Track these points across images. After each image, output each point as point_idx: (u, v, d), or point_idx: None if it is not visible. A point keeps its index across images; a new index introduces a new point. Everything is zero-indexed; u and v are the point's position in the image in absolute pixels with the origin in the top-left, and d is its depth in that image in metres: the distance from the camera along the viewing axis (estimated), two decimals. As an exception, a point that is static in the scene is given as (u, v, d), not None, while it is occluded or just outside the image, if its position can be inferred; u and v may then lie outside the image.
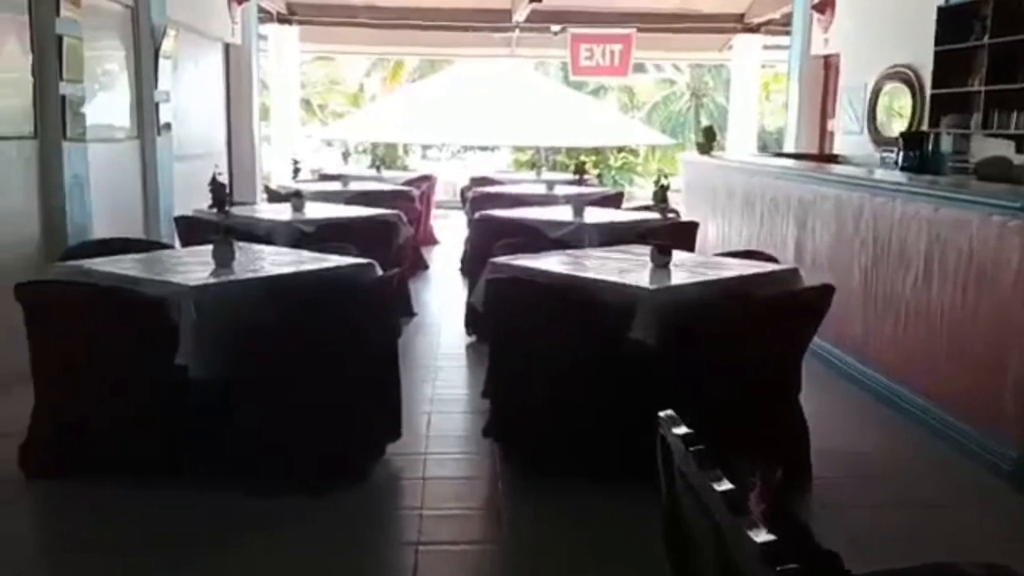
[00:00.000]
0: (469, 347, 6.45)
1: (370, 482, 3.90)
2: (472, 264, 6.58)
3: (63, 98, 5.47)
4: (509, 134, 18.01)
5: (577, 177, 6.81)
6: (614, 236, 6.14)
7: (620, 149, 22.51)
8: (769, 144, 17.45)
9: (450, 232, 11.43)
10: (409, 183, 10.20)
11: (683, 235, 6.31)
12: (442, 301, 8.01)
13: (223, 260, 4.12)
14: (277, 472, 3.72)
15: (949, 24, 7.46)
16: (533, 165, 22.75)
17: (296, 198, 6.53)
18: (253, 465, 3.74)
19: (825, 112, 11.08)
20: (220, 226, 4.12)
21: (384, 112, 19.12)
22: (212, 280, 3.84)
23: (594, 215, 6.70)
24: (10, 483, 3.81)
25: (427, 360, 5.93)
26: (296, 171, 6.33)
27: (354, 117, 22.19)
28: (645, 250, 4.79)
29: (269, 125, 14.02)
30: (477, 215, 6.67)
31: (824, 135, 11.06)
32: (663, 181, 4.27)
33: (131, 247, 4.65)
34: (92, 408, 3.79)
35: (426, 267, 9.45)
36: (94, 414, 3.80)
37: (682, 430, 1.61)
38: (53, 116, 5.41)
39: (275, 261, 4.32)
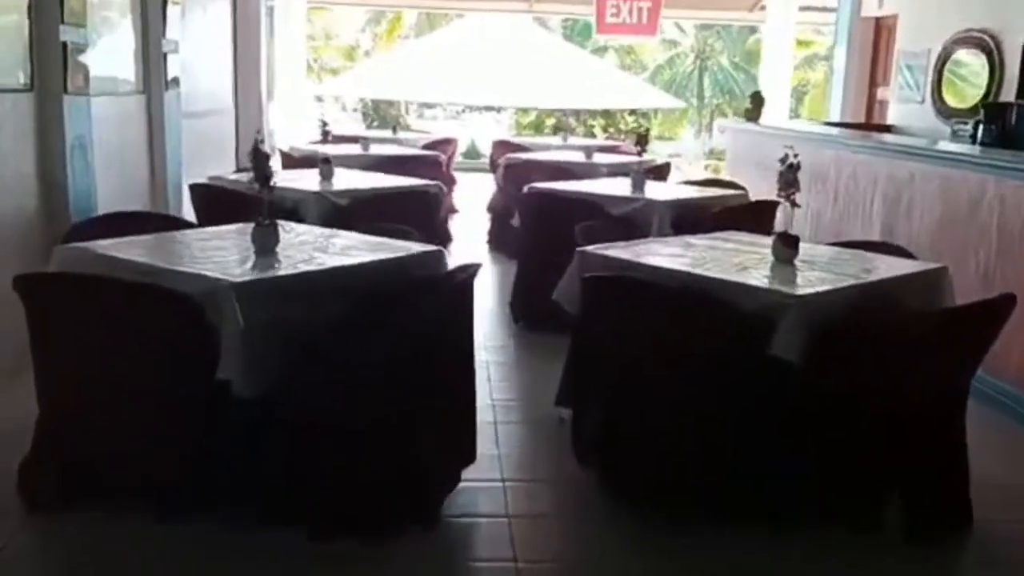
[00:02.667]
0: (516, 336, 5.77)
1: (445, 522, 3.22)
2: (527, 246, 5.85)
3: (64, 44, 4.69)
4: (515, 95, 17.17)
5: (637, 149, 6.05)
6: (687, 216, 5.45)
7: (632, 112, 21.68)
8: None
9: (465, 199, 10.65)
10: (431, 146, 9.45)
11: (762, 216, 5.62)
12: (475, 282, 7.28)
13: (266, 246, 3.40)
14: (334, 510, 3.05)
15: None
16: (541, 127, 22.02)
17: (325, 165, 5.78)
18: (303, 501, 3.07)
19: (875, 79, 10.35)
20: (264, 204, 3.38)
21: (383, 68, 18.22)
22: (259, 275, 3.12)
23: (656, 190, 6.00)
24: (7, 513, 3.12)
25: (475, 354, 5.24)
26: (325, 134, 5.56)
27: (352, 72, 21.25)
28: (753, 239, 4.12)
29: (273, 79, 13.15)
30: (527, 189, 5.94)
31: (872, 103, 10.34)
32: (792, 159, 3.54)
33: (146, 224, 3.93)
34: (108, 428, 3.09)
35: (450, 239, 8.71)
36: (111, 435, 3.10)
37: None
38: (53, 65, 4.63)
39: (326, 246, 3.59)
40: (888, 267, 3.60)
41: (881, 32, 10.15)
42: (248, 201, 4.18)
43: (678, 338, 3.17)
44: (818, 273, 3.46)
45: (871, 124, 9.83)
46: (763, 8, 13.87)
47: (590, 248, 3.71)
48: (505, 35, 16.97)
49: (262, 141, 3.36)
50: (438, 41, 18.60)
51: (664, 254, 3.70)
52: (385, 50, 23.34)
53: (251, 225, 3.45)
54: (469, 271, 3.37)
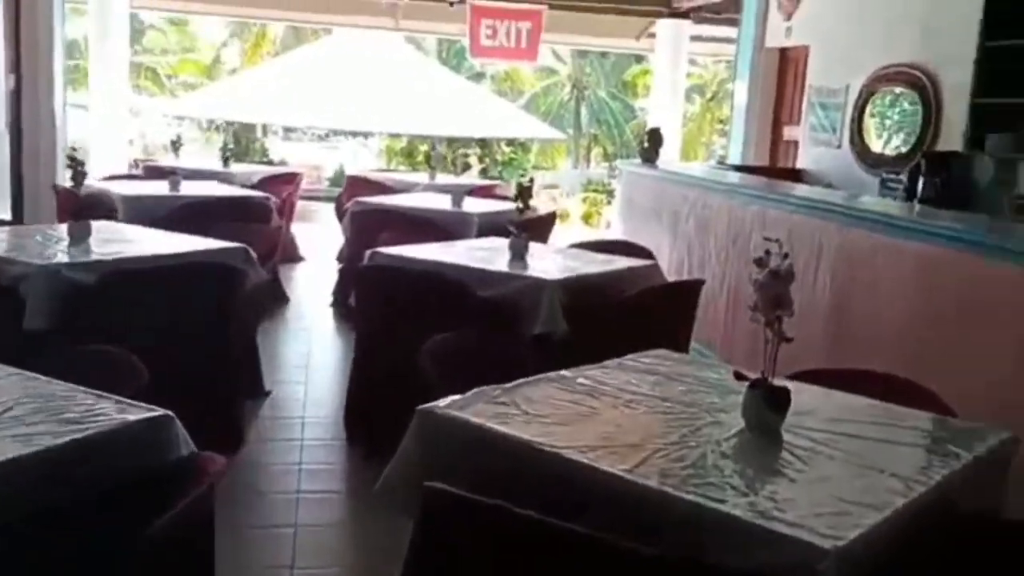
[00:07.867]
0: (346, 471, 4.14)
1: None
2: (366, 341, 4.25)
3: None
4: (385, 120, 15.72)
5: (520, 206, 4.53)
6: (585, 300, 3.98)
7: (509, 142, 20.37)
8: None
9: (316, 240, 8.95)
10: (265, 184, 7.73)
11: (685, 303, 4.22)
12: (306, 362, 5.64)
13: None
14: None
15: (1004, 13, 5.61)
16: (414, 154, 20.39)
17: (76, 223, 4.04)
18: None
19: (779, 118, 9.24)
20: None
21: (244, 87, 16.47)
22: None
23: (542, 260, 4.51)
24: None
25: (279, 504, 3.61)
26: (78, 173, 3.96)
27: (208, 90, 19.29)
28: (693, 370, 2.66)
29: (89, 93, 11.20)
30: (369, 257, 4.35)
31: (778, 144, 9.21)
32: (779, 260, 2.10)
33: None
34: None
35: (286, 300, 7.04)
36: None
37: None
38: None
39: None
40: (934, 446, 2.17)
41: (788, 65, 9.05)
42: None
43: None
44: (824, 463, 2.00)
45: (778, 168, 8.67)
46: (651, 36, 12.73)
47: (440, 409, 2.15)
48: (375, 55, 15.51)
49: None
50: (303, 59, 16.96)
51: (570, 423, 2.17)
52: (247, 68, 21.41)
53: None
54: (208, 476, 1.76)
